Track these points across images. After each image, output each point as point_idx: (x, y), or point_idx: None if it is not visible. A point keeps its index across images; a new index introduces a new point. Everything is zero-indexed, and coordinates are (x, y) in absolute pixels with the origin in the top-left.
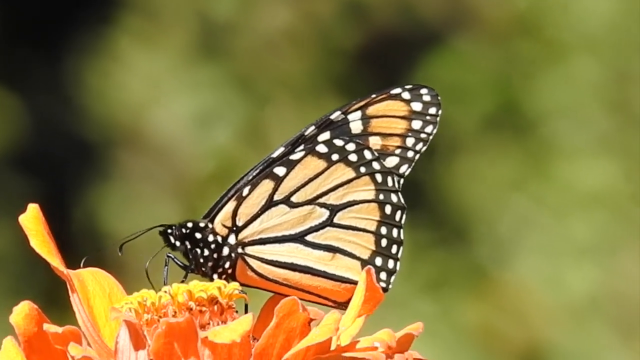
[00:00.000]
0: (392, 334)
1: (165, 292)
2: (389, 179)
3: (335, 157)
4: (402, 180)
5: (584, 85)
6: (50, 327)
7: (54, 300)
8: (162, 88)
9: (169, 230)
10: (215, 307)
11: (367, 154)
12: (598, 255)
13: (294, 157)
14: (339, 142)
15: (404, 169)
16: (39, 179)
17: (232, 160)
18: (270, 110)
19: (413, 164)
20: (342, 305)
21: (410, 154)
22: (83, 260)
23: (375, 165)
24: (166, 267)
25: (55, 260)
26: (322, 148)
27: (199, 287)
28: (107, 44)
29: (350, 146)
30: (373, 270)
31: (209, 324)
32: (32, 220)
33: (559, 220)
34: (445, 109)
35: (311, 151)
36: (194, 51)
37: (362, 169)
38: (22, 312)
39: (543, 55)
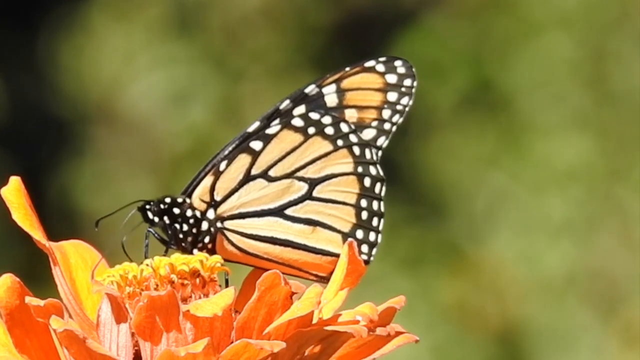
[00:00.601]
0: (374, 308)
1: (147, 265)
2: (367, 152)
3: (311, 130)
4: (380, 153)
5: (558, 61)
6: (32, 300)
7: (32, 274)
8: (136, 64)
9: (147, 206)
10: (197, 280)
11: (344, 127)
12: (574, 232)
13: (269, 131)
14: (314, 116)
15: (381, 141)
16: (13, 155)
17: (208, 136)
18: (246, 86)
19: (390, 135)
20: (324, 279)
21: (387, 125)
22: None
23: (353, 138)
24: (146, 241)
25: (37, 233)
26: (297, 122)
27: (180, 260)
28: (81, 19)
29: (327, 119)
30: (355, 243)
31: (190, 297)
32: (14, 192)
33: (535, 197)
34: (419, 86)
35: (287, 125)
36: (168, 27)
37: (340, 142)
38: (4, 284)
39: (517, 32)
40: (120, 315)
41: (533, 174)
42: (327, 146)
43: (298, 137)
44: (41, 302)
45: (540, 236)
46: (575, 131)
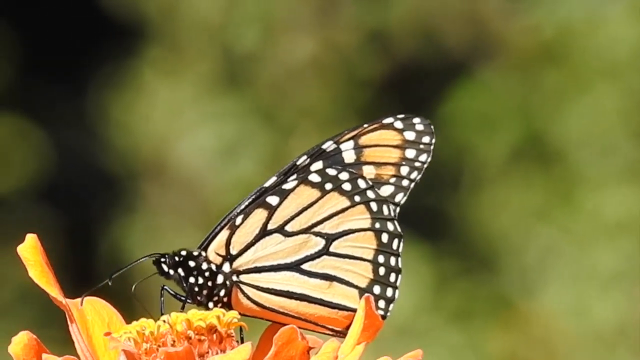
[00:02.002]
0: None
1: (164, 321)
2: (384, 208)
3: (328, 186)
4: (397, 209)
5: (609, 112)
6: (49, 357)
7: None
8: (185, 119)
9: (162, 259)
10: (214, 335)
11: (361, 183)
12: (624, 284)
13: (286, 186)
14: (332, 171)
15: (400, 197)
16: (64, 212)
17: None
18: (294, 140)
19: (408, 192)
20: (340, 333)
21: (405, 182)
22: (82, 297)
23: (370, 194)
24: (162, 298)
25: (53, 290)
26: (315, 177)
27: (197, 315)
28: (130, 75)
29: (344, 175)
30: (372, 298)
31: (207, 352)
32: (30, 250)
33: (585, 249)
34: (470, 139)
35: (304, 180)
36: (217, 82)
37: (357, 198)
38: (21, 342)
39: (568, 84)
40: None
41: (583, 227)
42: (345, 202)
43: (315, 193)
44: (58, 359)
45: (590, 288)
46: (626, 183)
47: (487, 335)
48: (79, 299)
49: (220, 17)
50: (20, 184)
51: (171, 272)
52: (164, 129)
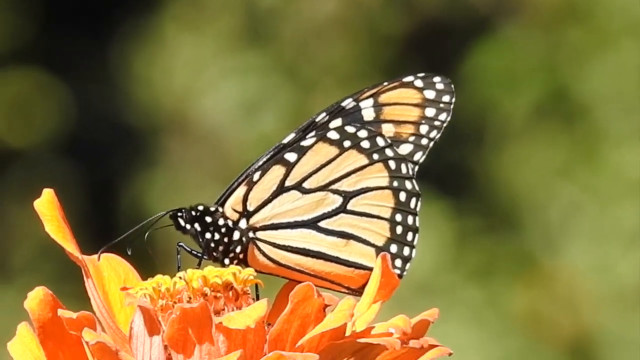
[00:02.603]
0: (407, 320)
1: (180, 277)
2: (403, 166)
3: (347, 143)
4: (416, 168)
5: (632, 70)
6: (64, 313)
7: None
8: (207, 74)
9: (179, 214)
10: (230, 292)
11: (380, 141)
12: None
13: (304, 143)
14: (350, 129)
15: (418, 156)
16: (85, 167)
17: None
18: (316, 96)
19: (427, 151)
20: (355, 292)
21: (424, 141)
22: (100, 251)
23: (389, 152)
24: (178, 255)
25: (70, 245)
26: (333, 134)
27: (213, 272)
28: (153, 30)
29: (363, 133)
30: (388, 256)
31: (223, 309)
32: (47, 205)
33: (608, 207)
34: (494, 96)
35: (322, 137)
36: (239, 37)
37: (375, 156)
38: (37, 297)
39: (592, 42)
40: (152, 327)
41: (606, 184)
42: (363, 160)
43: (333, 150)
44: (73, 315)
45: (613, 246)
46: None
47: (508, 293)
48: (95, 255)
49: None
50: (42, 139)
51: (187, 226)
52: (186, 84)
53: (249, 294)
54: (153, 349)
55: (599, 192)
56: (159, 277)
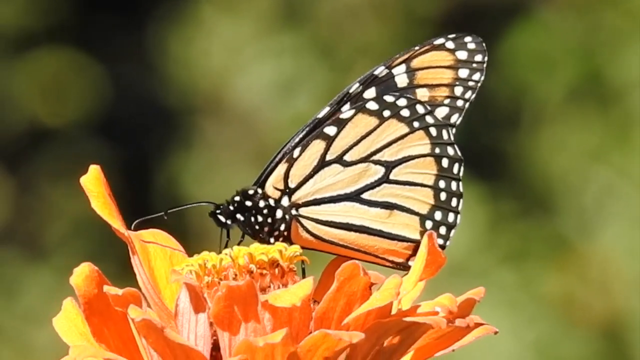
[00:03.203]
0: (453, 299)
1: (226, 254)
2: (444, 132)
3: (386, 113)
4: (454, 130)
5: None
6: (110, 289)
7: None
8: (244, 55)
9: (217, 211)
10: (276, 270)
11: (420, 108)
12: None
13: (343, 115)
14: (389, 98)
15: (455, 118)
16: (121, 146)
17: None
18: (352, 77)
19: (463, 112)
20: (400, 265)
21: (459, 102)
22: (134, 223)
23: (429, 119)
24: (223, 233)
25: (116, 222)
26: (372, 105)
27: (259, 249)
28: (189, 10)
29: (402, 101)
30: (434, 234)
31: (269, 287)
32: (93, 181)
33: None
34: (529, 79)
35: (361, 109)
36: (275, 18)
37: (416, 124)
38: (82, 273)
39: (628, 26)
40: (198, 304)
41: None
42: (403, 128)
43: (373, 121)
44: (119, 291)
45: None
46: None
47: (542, 277)
48: (141, 231)
49: None
50: (77, 118)
51: (229, 222)
52: (222, 65)
53: (294, 271)
54: (199, 326)
55: (633, 175)
56: (205, 254)
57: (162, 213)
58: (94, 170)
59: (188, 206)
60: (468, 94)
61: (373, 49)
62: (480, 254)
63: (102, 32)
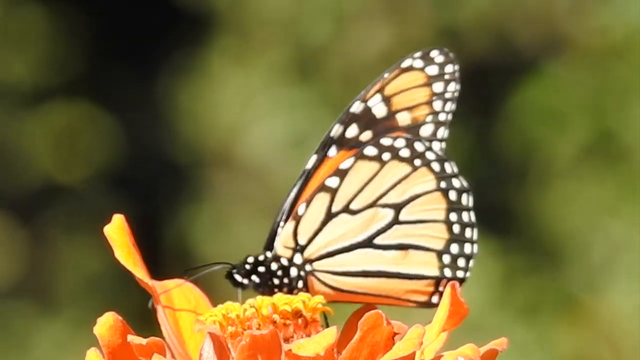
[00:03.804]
0: (476, 349)
1: (250, 305)
2: (447, 166)
3: (386, 156)
4: (444, 144)
5: None
6: (134, 339)
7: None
8: (255, 108)
9: (234, 271)
10: (299, 320)
11: (419, 146)
12: None
13: (343, 166)
14: (386, 141)
15: (441, 132)
16: (132, 199)
17: None
18: None
19: (447, 124)
20: (423, 304)
21: (442, 116)
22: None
23: (430, 155)
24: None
25: (140, 272)
26: (370, 150)
27: (283, 300)
28: (200, 64)
29: (400, 142)
30: (457, 285)
31: (292, 337)
32: (117, 231)
33: None
34: (540, 135)
35: (360, 156)
36: (287, 72)
37: (417, 162)
38: (107, 323)
39: (638, 82)
40: (222, 354)
41: None
42: (406, 168)
43: (374, 166)
44: (143, 341)
45: None
46: None
47: (554, 332)
48: (165, 281)
49: (291, 7)
50: (88, 172)
51: (245, 281)
52: (232, 118)
53: (318, 321)
54: None
55: None
56: (228, 304)
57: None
58: (118, 219)
59: (206, 267)
60: (448, 106)
61: None
62: (495, 309)
63: (114, 85)
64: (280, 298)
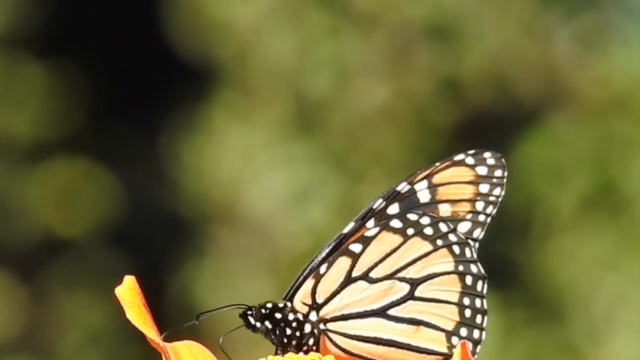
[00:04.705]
0: None
1: None
2: (467, 250)
3: (410, 231)
4: (477, 245)
5: None
6: None
7: None
8: (256, 164)
9: (249, 312)
10: None
11: (443, 227)
12: None
13: (368, 233)
14: (412, 217)
15: (477, 233)
16: (133, 255)
17: (327, 236)
18: (364, 186)
19: (485, 227)
20: None
21: (481, 217)
22: (164, 334)
23: (452, 238)
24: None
25: (151, 332)
26: (396, 223)
27: (294, 359)
28: (202, 119)
29: (425, 220)
30: (469, 343)
31: None
32: (128, 292)
33: None
34: (540, 188)
35: (385, 226)
36: (288, 127)
37: (439, 242)
38: None
39: (639, 135)
40: None
41: None
42: (427, 246)
43: (397, 239)
44: None
45: None
46: None
47: None
48: (175, 343)
49: (293, 62)
50: (90, 228)
51: (258, 324)
52: (235, 173)
53: None
54: None
55: None
56: None
57: (195, 321)
58: (129, 281)
59: (220, 310)
60: (489, 209)
61: (386, 158)
62: None
63: (115, 141)
64: (291, 357)
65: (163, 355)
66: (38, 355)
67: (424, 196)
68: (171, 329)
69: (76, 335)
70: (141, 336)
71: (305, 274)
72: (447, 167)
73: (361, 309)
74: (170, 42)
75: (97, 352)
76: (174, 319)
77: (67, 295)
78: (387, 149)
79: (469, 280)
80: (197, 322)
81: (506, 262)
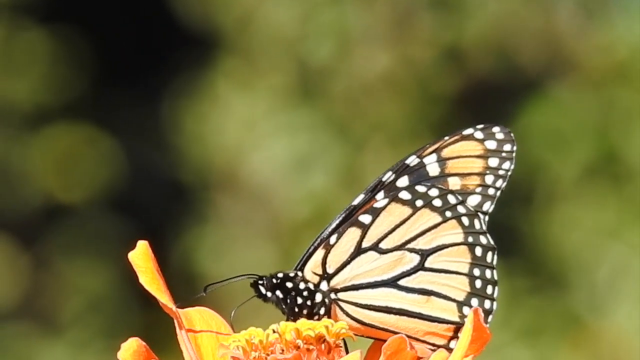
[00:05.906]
0: None
1: (273, 330)
2: (476, 222)
3: (419, 203)
4: (487, 218)
5: None
6: None
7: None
8: (258, 131)
9: (260, 282)
10: (323, 345)
11: (451, 199)
12: None
13: (377, 204)
14: (421, 188)
15: (487, 206)
16: (135, 222)
17: (328, 204)
18: (367, 154)
19: (495, 200)
20: (441, 348)
21: (491, 191)
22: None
23: (461, 209)
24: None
25: (164, 297)
26: (405, 195)
27: (306, 325)
28: (204, 86)
29: (434, 191)
30: (480, 310)
31: None
32: (141, 257)
33: None
34: (543, 156)
35: (394, 198)
36: (291, 94)
37: (448, 213)
38: (130, 348)
39: None
40: None
41: None
42: (436, 218)
43: (406, 210)
44: None
45: None
46: None
47: (557, 354)
48: (187, 308)
49: (295, 29)
50: (91, 194)
51: (269, 294)
52: (237, 140)
53: (341, 347)
54: None
55: None
56: (251, 330)
57: (203, 293)
58: (142, 245)
59: (229, 280)
60: (499, 183)
61: (388, 126)
62: (497, 330)
63: (117, 107)
64: (303, 323)
65: (175, 321)
66: (39, 321)
67: (433, 169)
68: (180, 300)
69: (77, 302)
70: (141, 303)
71: (315, 244)
72: (456, 141)
73: (372, 279)
74: (173, 8)
75: (98, 319)
76: (176, 286)
77: (68, 263)
78: (389, 117)
79: (478, 251)
80: (204, 294)
81: (508, 230)
